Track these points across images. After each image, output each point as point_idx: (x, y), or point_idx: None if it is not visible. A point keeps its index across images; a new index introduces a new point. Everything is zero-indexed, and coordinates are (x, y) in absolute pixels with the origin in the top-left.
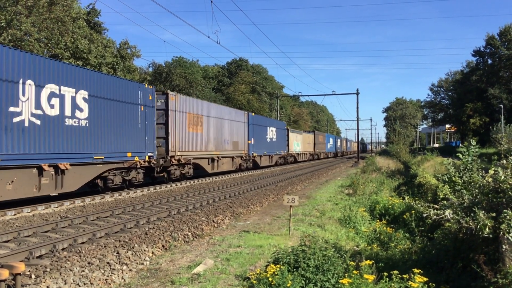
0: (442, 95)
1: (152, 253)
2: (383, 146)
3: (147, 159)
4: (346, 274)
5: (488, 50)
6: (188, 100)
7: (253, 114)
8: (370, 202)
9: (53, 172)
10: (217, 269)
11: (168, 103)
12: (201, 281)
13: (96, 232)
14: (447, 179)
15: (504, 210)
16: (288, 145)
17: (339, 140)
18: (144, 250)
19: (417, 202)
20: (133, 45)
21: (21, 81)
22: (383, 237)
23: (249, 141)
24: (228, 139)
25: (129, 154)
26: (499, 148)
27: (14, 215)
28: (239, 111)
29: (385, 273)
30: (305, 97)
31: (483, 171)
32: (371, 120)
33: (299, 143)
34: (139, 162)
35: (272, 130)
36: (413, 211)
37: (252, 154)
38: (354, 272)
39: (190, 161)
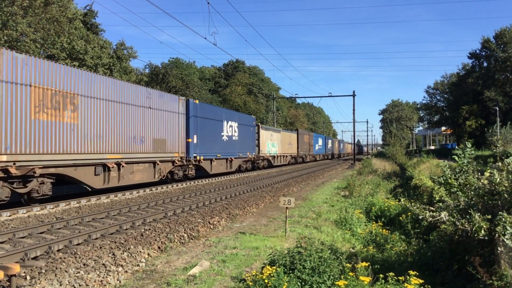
0: (438, 98)
1: (148, 254)
2: (379, 148)
3: None
4: (342, 276)
5: (484, 53)
6: (33, 62)
7: (197, 101)
8: (366, 204)
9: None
10: (213, 270)
11: None
12: (197, 283)
13: (91, 233)
14: (443, 181)
15: (500, 212)
16: (258, 146)
17: (330, 141)
18: (140, 251)
19: (413, 204)
20: (129, 46)
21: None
22: (379, 239)
23: (189, 140)
24: (144, 135)
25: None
26: (494, 150)
27: (10, 216)
28: (167, 95)
29: (381, 275)
30: (301, 99)
31: (479, 173)
32: (367, 122)
33: (275, 143)
34: None
35: (231, 126)
36: (409, 213)
37: (195, 157)
38: (350, 274)
39: (36, 171)
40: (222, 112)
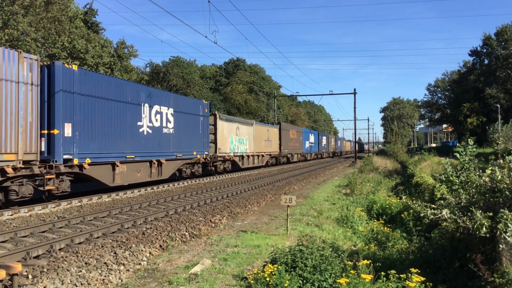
0: (439, 95)
1: (150, 253)
2: (380, 146)
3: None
4: (344, 274)
5: (485, 50)
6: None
7: (76, 68)
8: (367, 201)
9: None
10: (214, 269)
11: None
12: (199, 281)
13: (93, 232)
14: (444, 179)
15: (501, 210)
16: (215, 143)
17: (325, 137)
18: (142, 250)
19: (414, 201)
20: (130, 44)
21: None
22: (380, 237)
23: (54, 131)
24: None
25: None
26: (496, 147)
27: (11, 215)
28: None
29: (383, 273)
30: (302, 97)
31: (480, 171)
32: (368, 120)
33: (244, 139)
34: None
35: (160, 113)
36: (410, 211)
37: (68, 160)
38: (352, 271)
39: None
40: (141, 90)
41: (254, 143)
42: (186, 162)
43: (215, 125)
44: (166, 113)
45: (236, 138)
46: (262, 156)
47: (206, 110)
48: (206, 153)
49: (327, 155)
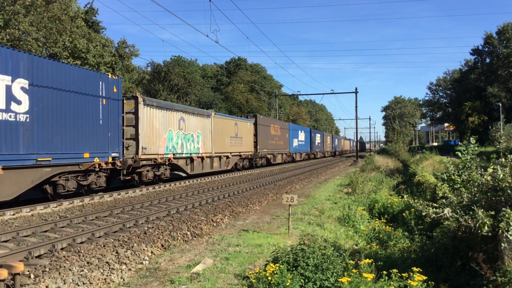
0: (441, 94)
1: (151, 252)
2: (381, 145)
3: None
4: (345, 273)
5: (486, 49)
6: None
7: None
8: (369, 201)
9: None
10: (216, 268)
11: None
12: (200, 280)
13: (95, 231)
14: (446, 178)
15: (503, 209)
16: (137, 139)
17: (319, 135)
18: (143, 249)
19: (416, 200)
20: (131, 44)
21: None
22: (382, 236)
23: None
24: None
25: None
26: (498, 146)
27: (13, 215)
28: None
29: (384, 272)
30: (304, 96)
31: (482, 170)
32: (369, 119)
33: (193, 135)
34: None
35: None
36: (412, 210)
37: None
38: (353, 270)
39: None
40: None
41: (214, 141)
42: (64, 171)
43: (136, 113)
44: (8, 87)
45: (180, 133)
46: (227, 157)
47: (116, 90)
48: (115, 154)
49: (321, 155)
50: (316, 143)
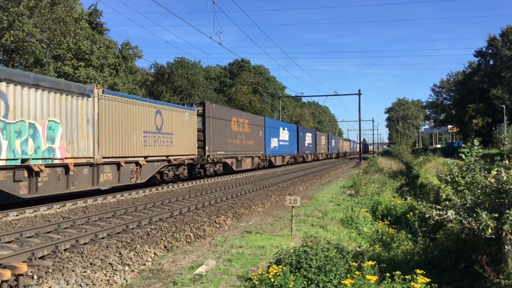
0: (444, 96)
1: (154, 253)
2: (385, 146)
3: None
4: (348, 275)
5: (490, 51)
6: None
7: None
8: (372, 202)
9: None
10: (219, 269)
11: None
12: (203, 282)
13: (98, 232)
14: (449, 180)
15: (507, 211)
16: None
17: (310, 134)
18: (146, 250)
19: (419, 202)
20: (134, 45)
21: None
22: (385, 238)
23: None
24: None
25: None
26: (501, 148)
27: (17, 215)
28: None
29: (388, 274)
30: (307, 98)
31: (486, 172)
32: (373, 120)
33: (29, 126)
34: None
35: None
36: (415, 212)
37: None
38: (357, 273)
39: None
40: None
41: (101, 137)
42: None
43: None
44: None
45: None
46: (137, 165)
47: None
48: None
49: (313, 158)
50: (306, 144)
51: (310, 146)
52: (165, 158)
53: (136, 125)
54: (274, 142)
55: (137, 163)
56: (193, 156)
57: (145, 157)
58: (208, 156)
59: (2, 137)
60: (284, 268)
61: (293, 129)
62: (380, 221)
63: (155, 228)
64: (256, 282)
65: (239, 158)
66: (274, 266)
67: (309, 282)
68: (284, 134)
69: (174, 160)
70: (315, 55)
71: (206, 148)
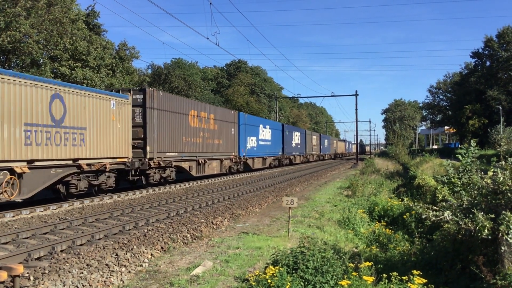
0: (441, 97)
1: (151, 255)
2: (382, 147)
3: None
4: (345, 276)
5: (486, 52)
6: None
7: None
8: (369, 203)
9: None
10: (216, 270)
11: None
12: (200, 283)
13: (94, 234)
14: (446, 181)
15: (503, 212)
16: None
17: (298, 133)
18: (143, 252)
19: (416, 203)
20: (131, 46)
21: None
22: (382, 239)
23: None
24: None
25: None
26: (498, 149)
27: (13, 217)
28: None
29: (384, 275)
30: (304, 99)
31: (482, 173)
32: (370, 121)
33: None
34: None
35: None
36: (412, 213)
37: None
38: (353, 273)
39: None
40: None
41: None
42: None
43: None
44: None
45: None
46: (10, 172)
47: None
48: None
49: (302, 160)
50: (294, 144)
51: (299, 146)
52: (71, 162)
53: (8, 114)
54: (251, 142)
55: (11, 171)
56: (124, 159)
57: (29, 161)
58: (152, 159)
59: None
60: (281, 269)
61: (277, 128)
62: (377, 222)
63: (152, 229)
64: (253, 283)
65: (200, 161)
66: (271, 267)
67: (306, 283)
68: (266, 133)
69: (88, 165)
70: (312, 56)
71: (148, 148)
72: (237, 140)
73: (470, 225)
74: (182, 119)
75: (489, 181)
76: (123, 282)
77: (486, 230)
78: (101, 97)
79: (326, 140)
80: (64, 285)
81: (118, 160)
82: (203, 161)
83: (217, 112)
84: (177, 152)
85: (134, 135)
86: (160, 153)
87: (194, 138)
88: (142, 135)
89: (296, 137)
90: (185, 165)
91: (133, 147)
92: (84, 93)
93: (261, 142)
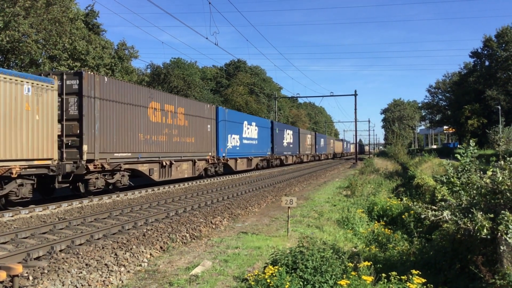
0: (440, 97)
1: (150, 254)
2: (381, 147)
3: None
4: (344, 276)
5: (485, 52)
6: None
7: None
8: (368, 203)
9: None
10: (215, 270)
11: None
12: (199, 283)
13: (94, 233)
14: (445, 180)
15: (502, 211)
16: None
17: (290, 132)
18: (142, 251)
19: (415, 203)
20: (130, 46)
21: None
22: (381, 238)
23: None
24: None
25: None
26: (497, 149)
27: (12, 216)
28: None
29: (383, 274)
30: (303, 99)
31: (481, 172)
32: (369, 121)
33: None
34: None
35: None
36: (411, 212)
37: None
38: (352, 273)
39: None
40: None
41: None
42: None
43: None
44: None
45: None
46: None
47: None
48: None
49: (295, 160)
50: (285, 144)
51: (291, 146)
52: None
53: None
54: (233, 141)
55: None
56: (46, 162)
57: None
58: (91, 161)
59: None
60: (280, 268)
61: (266, 125)
62: (376, 222)
63: (151, 229)
64: (252, 283)
65: (165, 163)
66: (270, 266)
67: (305, 283)
68: (251, 131)
69: None
70: (311, 56)
71: (85, 148)
72: (215, 138)
73: (469, 224)
74: (138, 112)
75: (488, 180)
76: (122, 281)
77: (485, 230)
78: (7, 79)
79: (322, 140)
80: (63, 285)
81: (36, 163)
82: (168, 163)
83: (188, 105)
84: (130, 152)
85: (67, 131)
86: (104, 154)
87: (156, 135)
88: (78, 131)
89: (288, 136)
90: (143, 168)
91: (67, 146)
92: (8, 77)
93: (245, 141)
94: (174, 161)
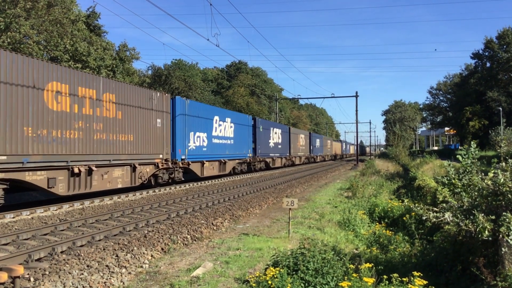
0: (441, 98)
1: (151, 256)
2: (382, 148)
3: None
4: (346, 277)
5: (486, 53)
6: None
7: None
8: (369, 205)
9: None
10: (216, 272)
11: None
12: (200, 284)
13: (95, 235)
14: (446, 182)
15: (504, 213)
16: None
17: (279, 131)
18: (143, 253)
19: (416, 205)
20: (132, 47)
21: None
22: (382, 240)
23: None
24: None
25: None
26: (498, 150)
27: (13, 218)
28: None
29: (385, 276)
30: (304, 100)
31: (483, 174)
32: (370, 123)
33: None
34: None
35: None
36: (412, 214)
37: None
38: (354, 275)
39: None
40: None
41: None
42: None
43: None
44: None
45: None
46: None
47: None
48: None
49: (285, 163)
50: (272, 144)
51: (279, 147)
52: None
53: None
54: (198, 140)
55: None
56: None
57: None
58: None
59: None
60: (281, 270)
61: (245, 122)
62: (377, 223)
63: (152, 230)
64: (254, 285)
65: (78, 170)
66: (272, 268)
67: (307, 284)
68: (225, 128)
69: None
70: (312, 57)
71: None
72: (169, 136)
73: (470, 226)
74: (22, 94)
75: (489, 182)
76: (123, 283)
77: (486, 232)
78: None
79: (317, 140)
80: (64, 286)
81: None
82: (85, 170)
83: (121, 91)
84: (5, 155)
85: None
86: None
87: (60, 130)
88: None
89: (276, 135)
90: (36, 177)
91: None
92: None
93: (216, 140)
94: (96, 167)
